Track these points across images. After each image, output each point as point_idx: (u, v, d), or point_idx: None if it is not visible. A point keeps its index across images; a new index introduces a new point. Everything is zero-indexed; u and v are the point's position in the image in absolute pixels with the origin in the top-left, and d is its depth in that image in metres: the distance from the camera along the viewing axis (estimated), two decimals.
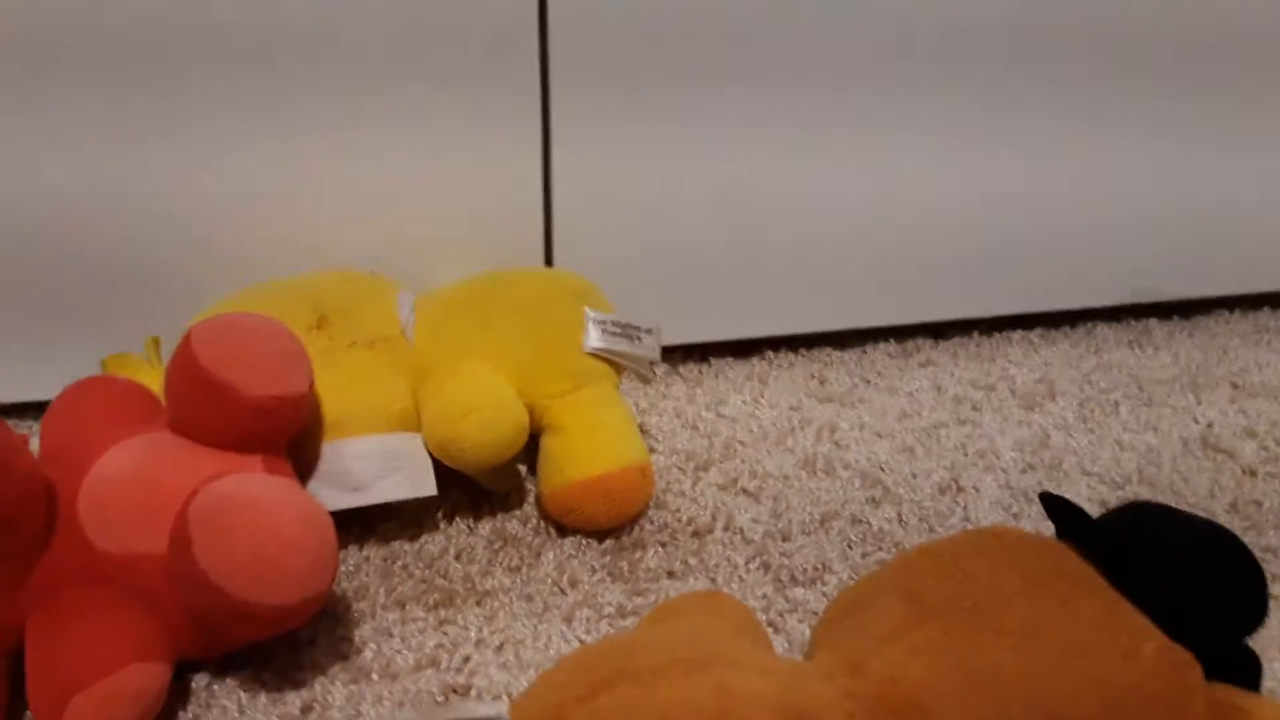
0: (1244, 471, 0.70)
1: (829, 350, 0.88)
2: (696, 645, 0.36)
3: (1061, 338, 0.91)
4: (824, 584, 0.59)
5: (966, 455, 0.73)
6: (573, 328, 0.63)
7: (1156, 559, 0.37)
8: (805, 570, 0.60)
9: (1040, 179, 0.86)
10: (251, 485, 0.47)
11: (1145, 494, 0.67)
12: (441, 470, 0.60)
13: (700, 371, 0.84)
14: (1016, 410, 0.79)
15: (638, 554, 0.61)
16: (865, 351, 0.88)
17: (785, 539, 0.63)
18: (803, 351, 0.88)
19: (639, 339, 0.64)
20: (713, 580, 0.59)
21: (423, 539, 0.61)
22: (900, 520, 0.65)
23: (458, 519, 0.63)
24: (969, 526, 0.65)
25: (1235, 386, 0.81)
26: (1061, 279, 0.90)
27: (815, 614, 0.57)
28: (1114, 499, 0.67)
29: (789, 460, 0.72)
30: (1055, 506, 0.42)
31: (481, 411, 0.57)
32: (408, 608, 0.56)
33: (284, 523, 0.45)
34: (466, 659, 0.53)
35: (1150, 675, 0.34)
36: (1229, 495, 0.67)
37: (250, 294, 0.63)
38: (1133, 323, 0.93)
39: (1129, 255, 0.90)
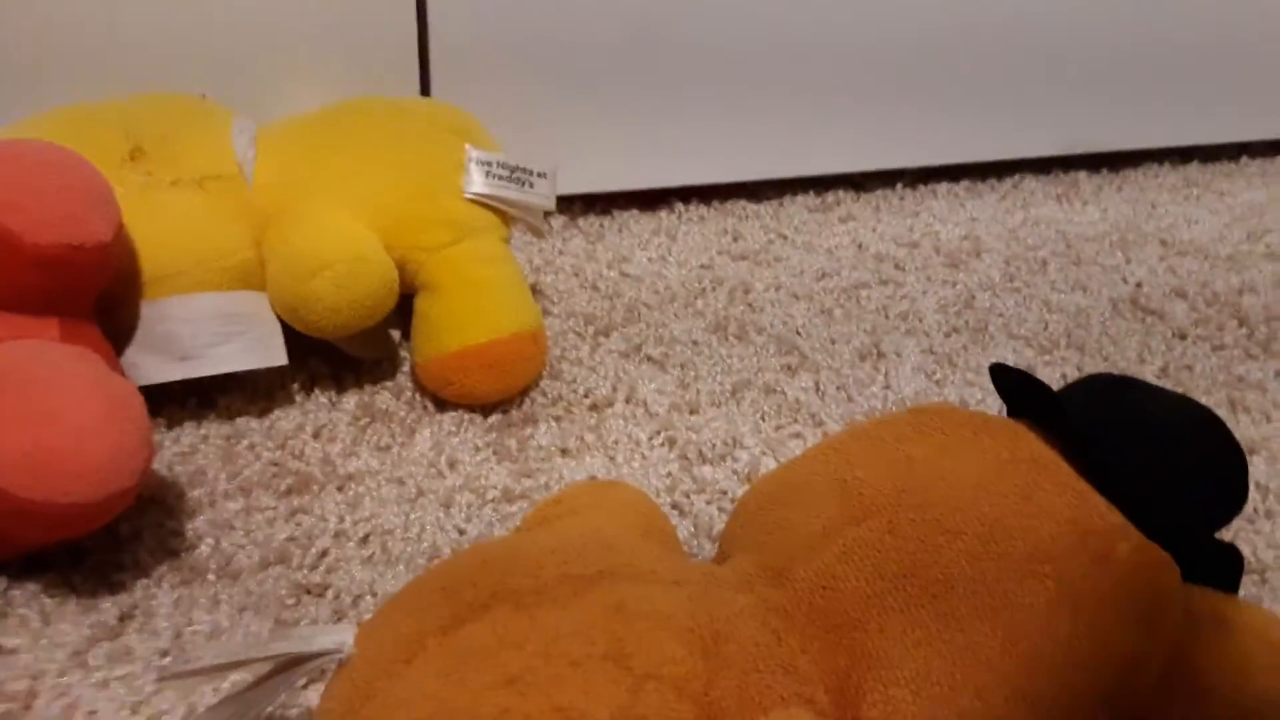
0: (1174, 334, 0.66)
1: (743, 203, 0.80)
2: (589, 554, 0.29)
3: (988, 191, 0.85)
4: (734, 460, 0.53)
5: (888, 318, 0.67)
6: (451, 169, 0.53)
7: (1129, 442, 0.32)
8: (714, 446, 0.54)
9: (966, 21, 0.78)
10: (32, 357, 0.38)
11: (1073, 359, 0.63)
12: (297, 335, 0.51)
13: (601, 225, 0.76)
14: (941, 269, 0.73)
15: (527, 430, 0.54)
16: (782, 205, 0.81)
17: (693, 411, 0.57)
18: (715, 204, 0.80)
19: (530, 184, 0.55)
20: (611, 459, 0.53)
21: (274, 415, 0.53)
22: (818, 389, 0.59)
23: (317, 392, 0.55)
24: (890, 396, 0.59)
25: (1164, 244, 0.77)
26: (988, 128, 0.84)
27: (724, 494, 0.51)
28: (1041, 365, 0.63)
29: (698, 324, 0.65)
30: (1008, 381, 0.36)
31: (336, 267, 0.47)
32: (254, 495, 0.48)
33: (72, 404, 0.36)
34: (323, 554, 0.45)
35: (1124, 581, 0.29)
36: (1159, 359, 0.63)
37: (44, 120, 0.51)
38: (1061, 176, 0.87)
39: (1058, 105, 0.84)
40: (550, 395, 0.57)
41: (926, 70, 0.79)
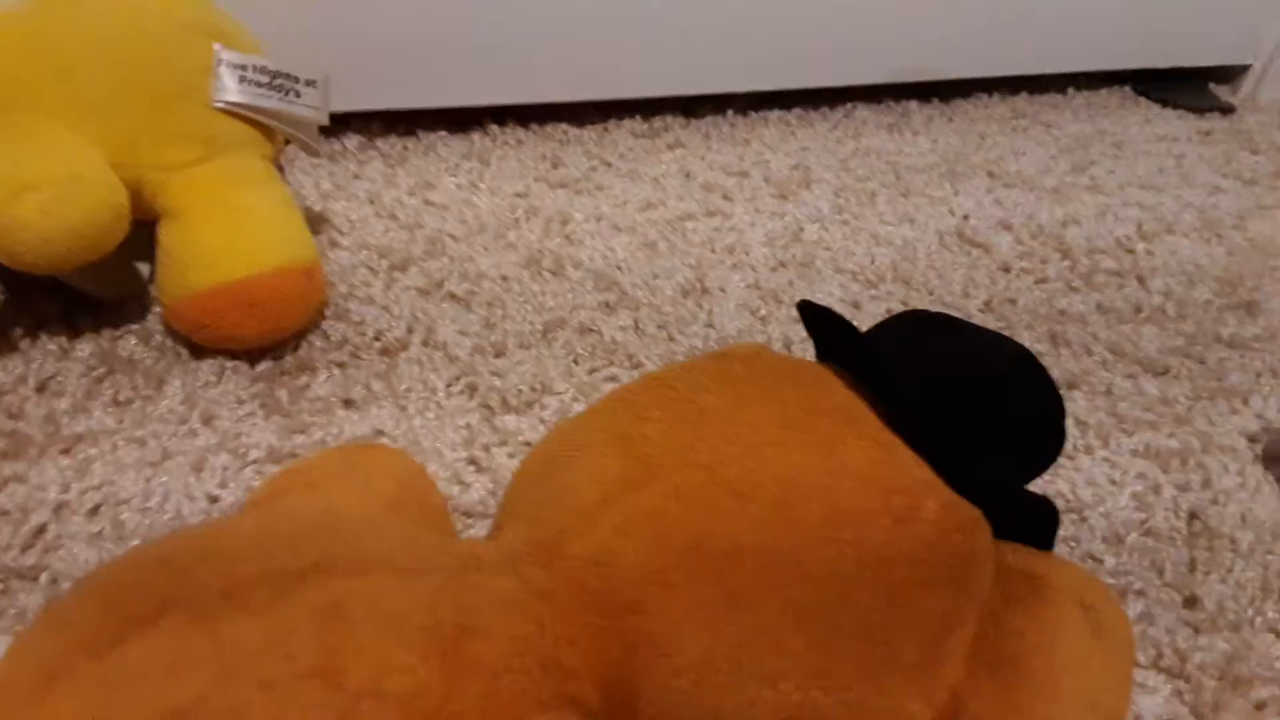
0: (999, 267, 0.65)
1: (565, 126, 0.74)
2: (302, 543, 0.23)
3: (820, 119, 0.82)
4: (542, 408, 0.48)
5: (714, 251, 0.63)
6: (194, 73, 0.45)
7: (940, 388, 0.29)
8: (520, 392, 0.49)
9: None
10: None
11: (899, 293, 0.61)
12: (19, 272, 0.42)
13: (405, 147, 0.68)
14: (770, 200, 0.69)
15: (303, 379, 0.47)
16: (607, 129, 0.75)
17: (499, 354, 0.51)
18: (534, 127, 0.74)
19: (295, 93, 0.47)
20: (402, 409, 0.47)
21: None
22: (637, 328, 0.55)
23: (44, 337, 0.46)
24: (712, 334, 0.55)
25: (992, 175, 0.76)
26: (820, 54, 0.80)
27: (528, 446, 0.46)
28: (867, 299, 0.60)
29: (510, 258, 0.59)
30: (816, 319, 0.32)
31: (43, 189, 0.39)
32: None
33: None
34: (40, 530, 0.38)
35: (931, 544, 0.26)
36: (984, 292, 0.62)
37: None
38: (892, 105, 0.85)
39: (890, 31, 0.81)
40: (333, 338, 0.50)
41: None
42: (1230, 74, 0.97)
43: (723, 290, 0.59)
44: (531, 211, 0.64)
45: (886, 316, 0.58)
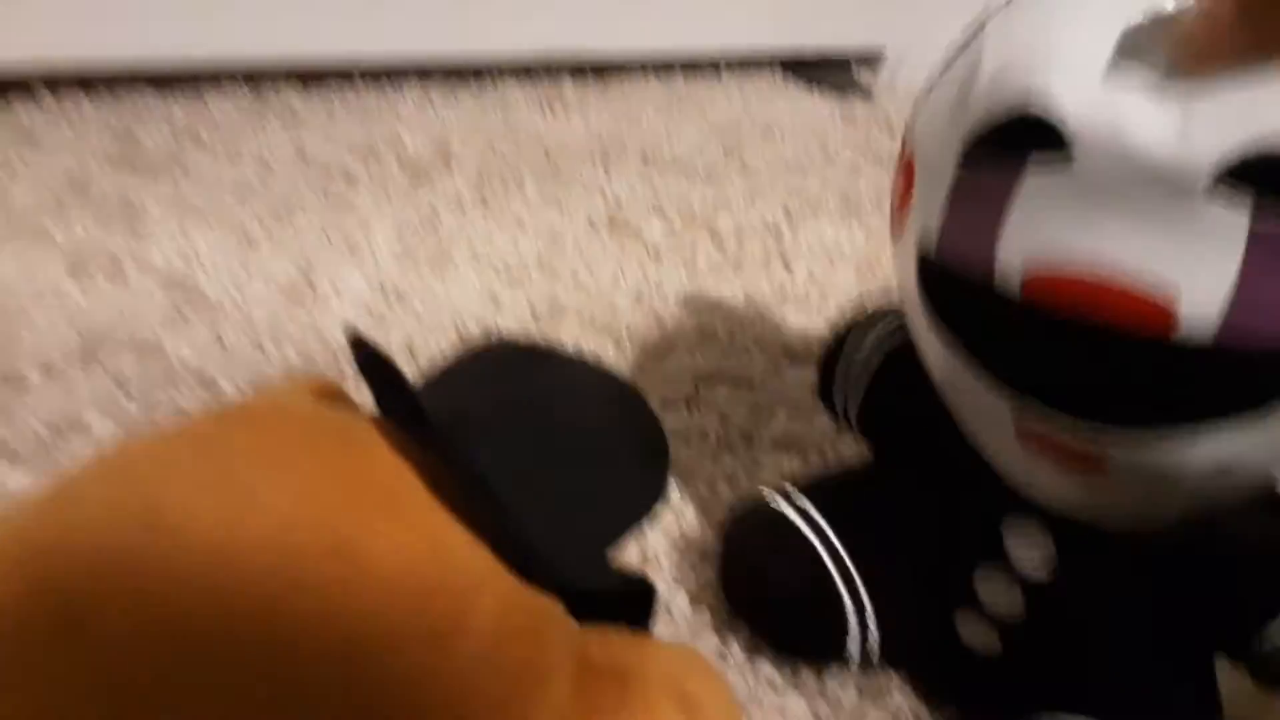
0: (649, 254, 0.60)
1: (147, 94, 0.61)
2: None
3: (466, 96, 0.74)
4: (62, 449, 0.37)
5: (330, 244, 0.54)
6: None
7: (514, 444, 0.22)
8: (35, 435, 0.37)
9: None
10: None
11: (544, 286, 0.55)
12: None
13: None
14: (403, 184, 0.61)
15: None
16: (201, 98, 0.63)
17: (13, 384, 0.39)
18: (104, 94, 0.60)
19: None
20: None
21: None
22: (219, 342, 0.45)
23: None
24: (318, 347, 0.46)
25: (645, 159, 0.72)
26: (467, 23, 0.73)
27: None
28: (508, 295, 0.53)
29: (47, 261, 0.46)
30: (370, 365, 0.24)
31: None
32: None
33: None
34: None
35: (483, 657, 0.19)
36: (633, 280, 0.57)
37: None
38: (546, 83, 0.80)
39: (544, 5, 0.75)
40: None
41: None
42: (873, 59, 1.01)
43: (337, 291, 0.50)
44: (86, 201, 0.51)
45: (529, 312, 0.52)
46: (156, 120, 0.59)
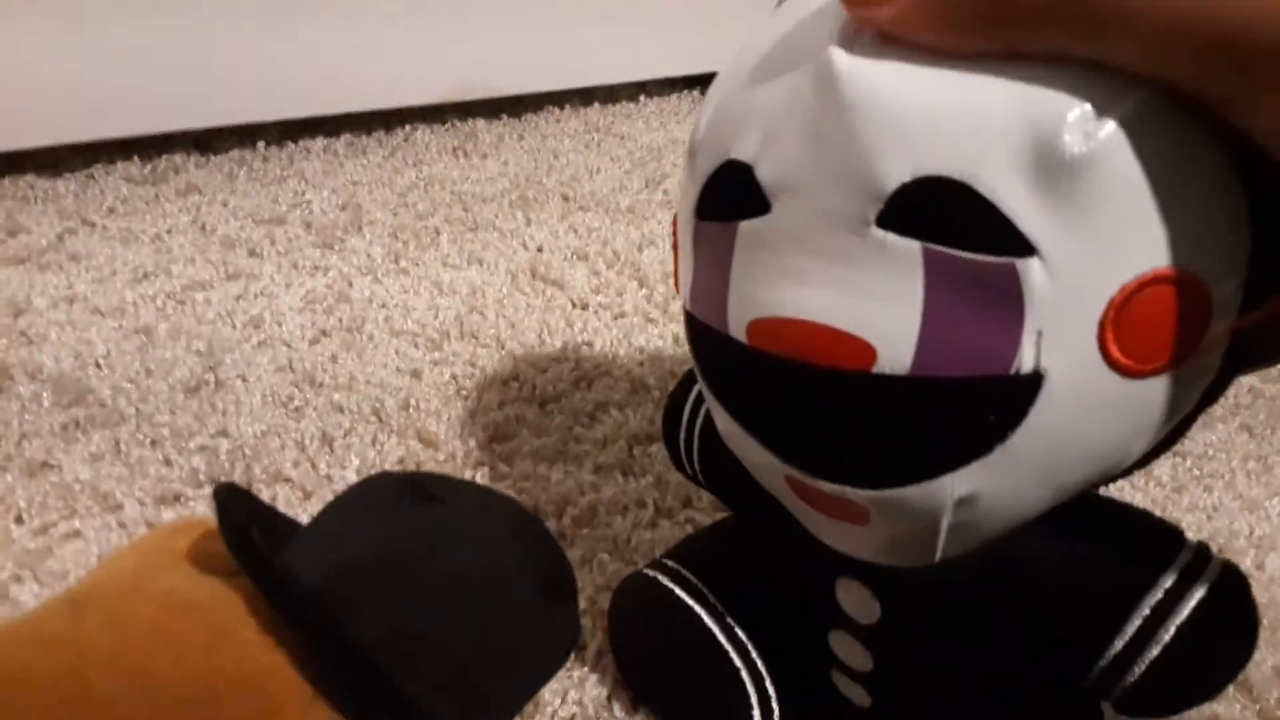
0: (574, 304, 0.59)
1: (29, 178, 0.58)
2: None
3: (374, 147, 0.72)
4: None
5: (234, 327, 0.51)
6: None
7: (395, 605, 0.20)
8: None
9: None
10: None
11: (466, 352, 0.53)
12: None
13: None
14: (311, 252, 0.58)
15: None
16: (92, 177, 0.60)
17: None
18: None
19: None
20: None
21: None
22: (119, 451, 0.42)
23: None
24: (225, 443, 0.44)
25: (566, 199, 0.70)
26: (372, 73, 0.71)
27: None
28: (428, 364, 0.51)
29: None
30: (231, 522, 0.22)
31: None
32: None
33: None
34: None
35: None
36: (560, 336, 0.56)
37: None
38: (457, 125, 0.77)
39: (451, 46, 0.73)
40: None
41: None
42: None
43: (243, 379, 0.48)
44: None
45: (451, 383, 0.50)
46: (43, 205, 0.56)
